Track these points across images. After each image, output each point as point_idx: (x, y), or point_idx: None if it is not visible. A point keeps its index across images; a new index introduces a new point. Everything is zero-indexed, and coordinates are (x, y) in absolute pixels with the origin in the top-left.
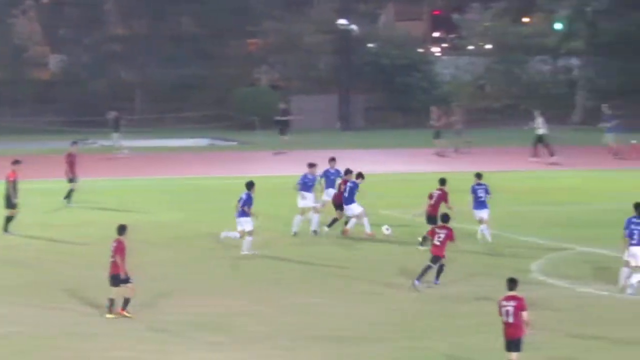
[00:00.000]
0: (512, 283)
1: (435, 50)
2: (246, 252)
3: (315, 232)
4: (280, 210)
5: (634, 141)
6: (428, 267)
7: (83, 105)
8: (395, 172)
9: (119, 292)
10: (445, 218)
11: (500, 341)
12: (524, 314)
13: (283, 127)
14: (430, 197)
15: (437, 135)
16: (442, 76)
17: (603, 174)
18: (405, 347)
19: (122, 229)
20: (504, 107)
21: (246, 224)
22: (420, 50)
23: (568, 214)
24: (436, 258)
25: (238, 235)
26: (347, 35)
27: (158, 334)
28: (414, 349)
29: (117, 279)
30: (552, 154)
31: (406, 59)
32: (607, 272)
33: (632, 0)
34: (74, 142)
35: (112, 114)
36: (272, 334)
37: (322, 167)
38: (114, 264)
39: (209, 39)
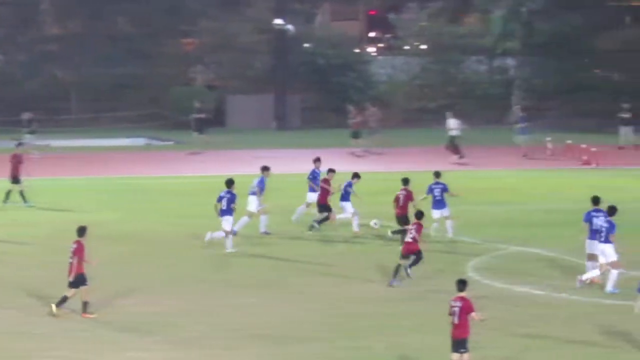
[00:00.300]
0: (461, 284)
1: (371, 50)
2: (230, 250)
3: (266, 233)
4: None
5: (569, 141)
6: (399, 266)
7: (19, 105)
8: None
9: (76, 294)
10: (419, 215)
11: (440, 340)
12: (472, 315)
13: (200, 126)
14: (397, 200)
15: (356, 135)
16: (378, 76)
17: (536, 174)
18: (342, 347)
19: (81, 231)
20: (439, 107)
21: (226, 222)
22: (356, 50)
23: (501, 213)
24: (407, 254)
25: (223, 234)
26: (283, 35)
27: (97, 334)
28: (351, 348)
29: (77, 281)
30: (461, 156)
31: (342, 59)
32: (540, 271)
33: (567, 1)
34: (19, 144)
35: (26, 115)
36: (209, 334)
37: (252, 167)
38: (73, 265)
39: (145, 38)
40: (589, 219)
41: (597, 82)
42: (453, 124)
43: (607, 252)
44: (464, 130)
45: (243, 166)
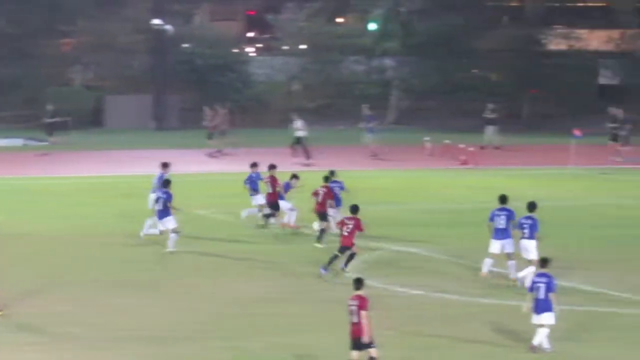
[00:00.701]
0: (357, 283)
1: (250, 50)
2: (172, 250)
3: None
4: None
5: (447, 141)
6: (335, 257)
7: None
8: (209, 171)
9: None
10: (354, 209)
11: (317, 339)
12: (362, 314)
13: (51, 129)
14: (316, 194)
15: (210, 136)
16: (256, 76)
17: (414, 174)
18: (221, 347)
19: None
20: (318, 107)
21: (168, 222)
22: (235, 50)
23: (380, 213)
24: (345, 248)
25: (158, 232)
26: (161, 35)
27: None
28: (229, 348)
29: None
30: (308, 157)
31: (220, 59)
32: (419, 271)
33: (445, 1)
34: None
35: None
36: (86, 334)
37: (130, 167)
38: None
39: (22, 38)
40: (492, 217)
41: (475, 82)
42: (299, 125)
43: (529, 249)
44: (310, 131)
45: (121, 166)
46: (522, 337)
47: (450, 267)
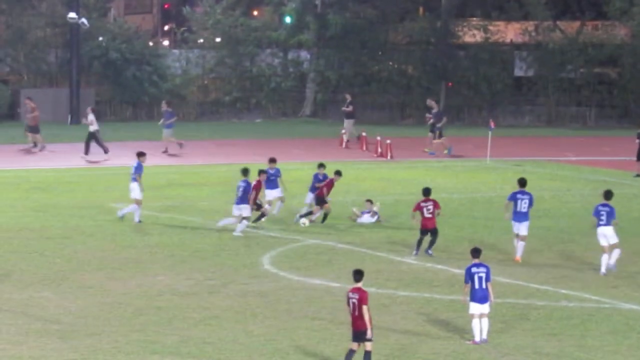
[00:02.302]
0: (357, 274)
1: (166, 43)
2: (239, 234)
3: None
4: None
5: (363, 133)
6: (421, 240)
7: None
8: (124, 165)
9: None
10: (428, 191)
11: (231, 332)
12: (364, 308)
13: None
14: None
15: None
16: (173, 69)
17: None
18: (134, 340)
19: None
20: (234, 100)
21: (245, 210)
22: (151, 43)
23: (298, 206)
24: (427, 230)
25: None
26: (76, 29)
27: None
28: (142, 342)
29: None
30: (105, 151)
31: (136, 53)
32: (336, 263)
33: None
34: None
35: None
36: None
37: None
38: None
39: None
40: (513, 198)
41: (390, 75)
42: (90, 119)
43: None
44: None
45: (35, 160)
46: (445, 328)
47: (368, 259)
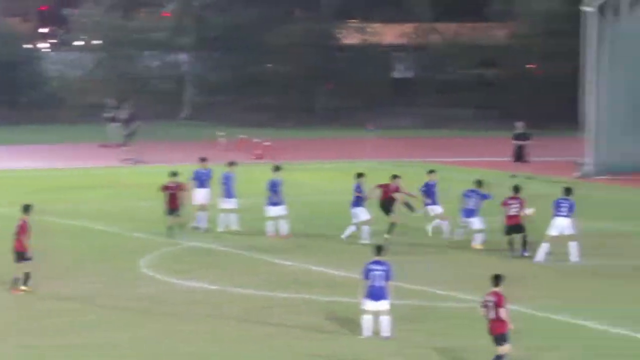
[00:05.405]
0: (496, 279)
1: (44, 46)
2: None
3: None
4: None
5: (242, 135)
6: (513, 238)
7: None
8: (5, 168)
9: (19, 269)
10: (517, 189)
11: (119, 336)
12: (502, 311)
13: None
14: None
15: None
16: (51, 72)
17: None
18: (11, 346)
19: (26, 208)
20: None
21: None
22: (28, 46)
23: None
24: (514, 227)
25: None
26: None
27: None
28: (22, 347)
29: (20, 256)
30: None
31: (13, 56)
32: (215, 266)
33: None
34: None
35: None
36: None
37: None
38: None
39: None
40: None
41: (269, 77)
42: None
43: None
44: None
45: None
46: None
47: (247, 262)
